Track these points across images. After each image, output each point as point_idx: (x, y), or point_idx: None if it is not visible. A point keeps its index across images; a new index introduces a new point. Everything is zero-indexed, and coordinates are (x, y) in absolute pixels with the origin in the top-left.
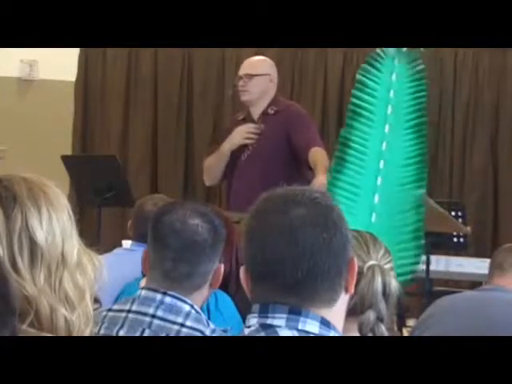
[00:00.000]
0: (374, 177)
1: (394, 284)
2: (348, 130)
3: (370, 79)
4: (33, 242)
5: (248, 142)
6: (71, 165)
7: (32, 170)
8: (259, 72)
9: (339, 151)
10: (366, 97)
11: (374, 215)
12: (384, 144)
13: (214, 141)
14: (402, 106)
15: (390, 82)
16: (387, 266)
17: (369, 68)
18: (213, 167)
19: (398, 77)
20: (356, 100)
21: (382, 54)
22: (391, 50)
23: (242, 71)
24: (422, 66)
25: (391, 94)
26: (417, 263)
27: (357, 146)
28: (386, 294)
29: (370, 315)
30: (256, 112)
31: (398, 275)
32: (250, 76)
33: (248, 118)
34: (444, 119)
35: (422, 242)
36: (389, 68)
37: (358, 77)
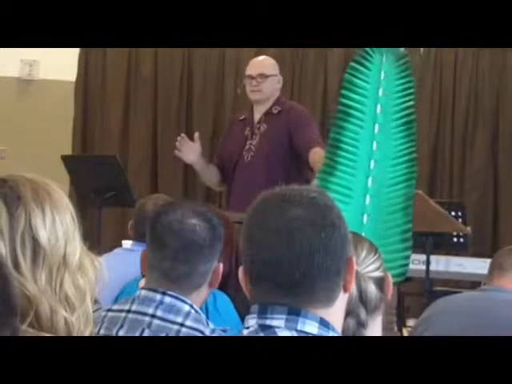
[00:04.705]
0: (365, 177)
1: (371, 289)
2: (338, 131)
3: (359, 78)
4: (35, 242)
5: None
6: (71, 165)
7: (32, 170)
8: (272, 72)
9: (329, 153)
10: (355, 96)
11: (365, 217)
12: (374, 144)
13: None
14: (390, 105)
15: (379, 80)
16: (371, 267)
17: (357, 66)
18: (201, 179)
19: (387, 75)
20: (345, 100)
21: (370, 51)
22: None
23: (255, 71)
24: (409, 64)
25: (380, 92)
26: (406, 265)
27: (348, 147)
28: (363, 300)
29: (350, 322)
30: (260, 112)
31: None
32: (265, 76)
33: (248, 118)
34: (444, 119)
35: (411, 243)
36: (377, 66)
37: (347, 76)
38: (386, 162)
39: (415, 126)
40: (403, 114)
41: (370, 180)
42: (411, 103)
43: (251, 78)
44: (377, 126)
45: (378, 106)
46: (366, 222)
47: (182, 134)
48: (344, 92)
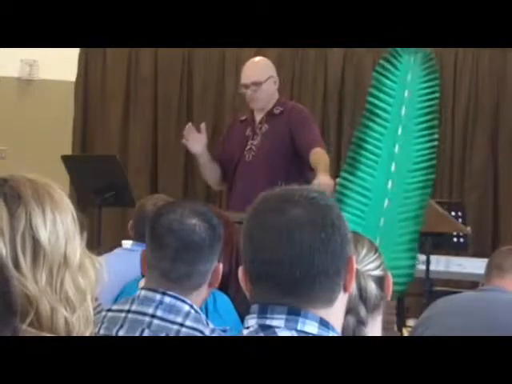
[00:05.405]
0: (386, 180)
1: (371, 287)
2: (363, 131)
3: (387, 77)
4: (36, 242)
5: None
6: (71, 165)
7: (32, 170)
8: (266, 77)
9: (353, 152)
10: (382, 96)
11: (382, 220)
12: (396, 147)
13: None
14: (415, 108)
15: (406, 81)
16: (371, 266)
17: (386, 65)
18: (203, 174)
19: (414, 76)
20: (373, 99)
21: (399, 51)
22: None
23: (248, 79)
24: (436, 67)
25: (406, 94)
26: (411, 275)
27: (371, 147)
28: (363, 297)
29: (350, 320)
30: (261, 113)
31: (394, 284)
32: (259, 84)
33: (250, 119)
34: (444, 119)
35: (417, 253)
36: (405, 66)
37: (375, 75)
38: (406, 166)
39: (437, 131)
40: (426, 119)
41: (390, 183)
42: (435, 108)
43: (247, 87)
44: (400, 128)
45: (403, 108)
46: (382, 224)
47: (190, 124)
48: (372, 91)
